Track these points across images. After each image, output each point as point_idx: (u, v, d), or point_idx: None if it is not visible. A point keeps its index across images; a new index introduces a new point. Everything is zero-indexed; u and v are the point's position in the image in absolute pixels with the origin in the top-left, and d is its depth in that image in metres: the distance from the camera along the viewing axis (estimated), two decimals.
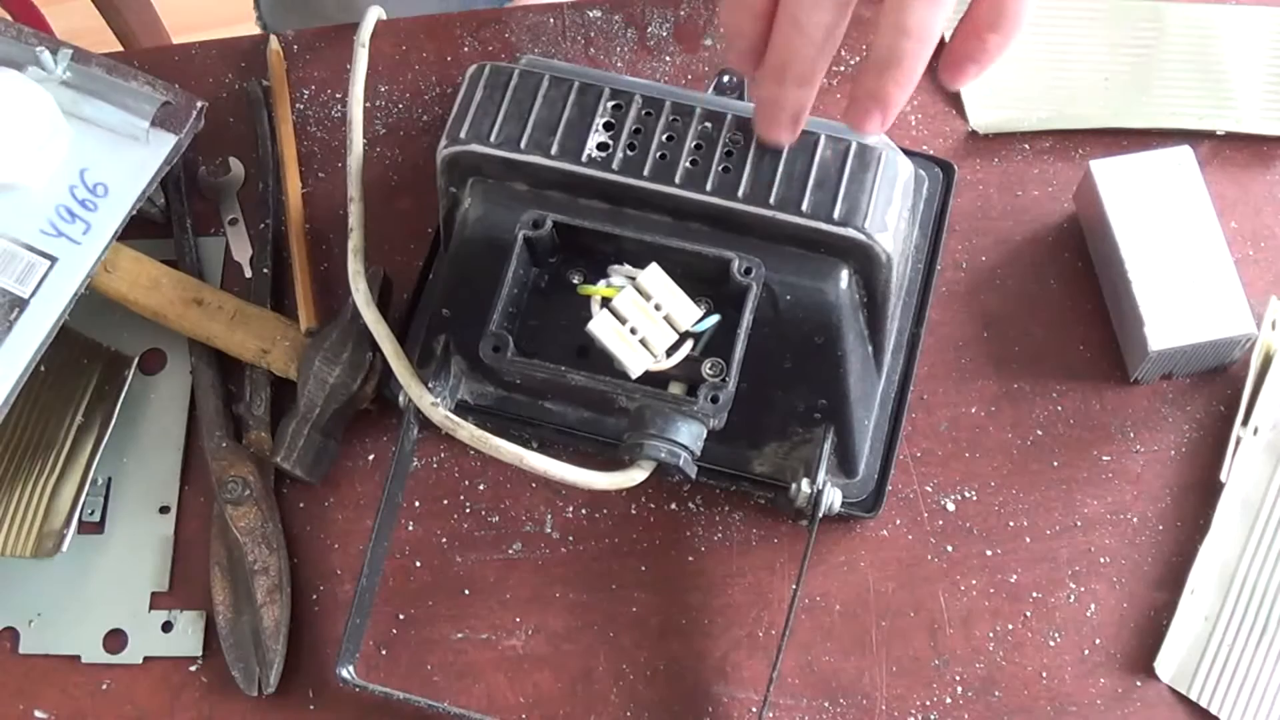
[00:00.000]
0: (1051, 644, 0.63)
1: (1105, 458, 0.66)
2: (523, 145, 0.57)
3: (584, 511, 0.66)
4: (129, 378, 0.68)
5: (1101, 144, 0.71)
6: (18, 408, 0.66)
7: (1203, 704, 0.61)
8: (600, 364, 0.56)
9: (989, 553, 0.64)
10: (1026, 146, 0.72)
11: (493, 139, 0.58)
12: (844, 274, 0.57)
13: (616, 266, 0.57)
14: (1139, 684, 0.62)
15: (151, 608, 0.65)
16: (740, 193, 0.56)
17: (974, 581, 0.64)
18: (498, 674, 0.64)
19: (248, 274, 0.72)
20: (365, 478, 0.68)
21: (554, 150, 0.57)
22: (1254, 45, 0.72)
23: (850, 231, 0.55)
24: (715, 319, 0.56)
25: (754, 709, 0.62)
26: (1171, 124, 0.71)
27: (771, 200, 0.56)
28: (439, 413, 0.61)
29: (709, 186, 0.56)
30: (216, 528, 0.66)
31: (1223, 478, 0.63)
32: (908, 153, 0.61)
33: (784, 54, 0.51)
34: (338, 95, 0.76)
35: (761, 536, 0.65)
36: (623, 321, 0.55)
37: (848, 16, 0.50)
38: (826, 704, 0.62)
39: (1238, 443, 0.63)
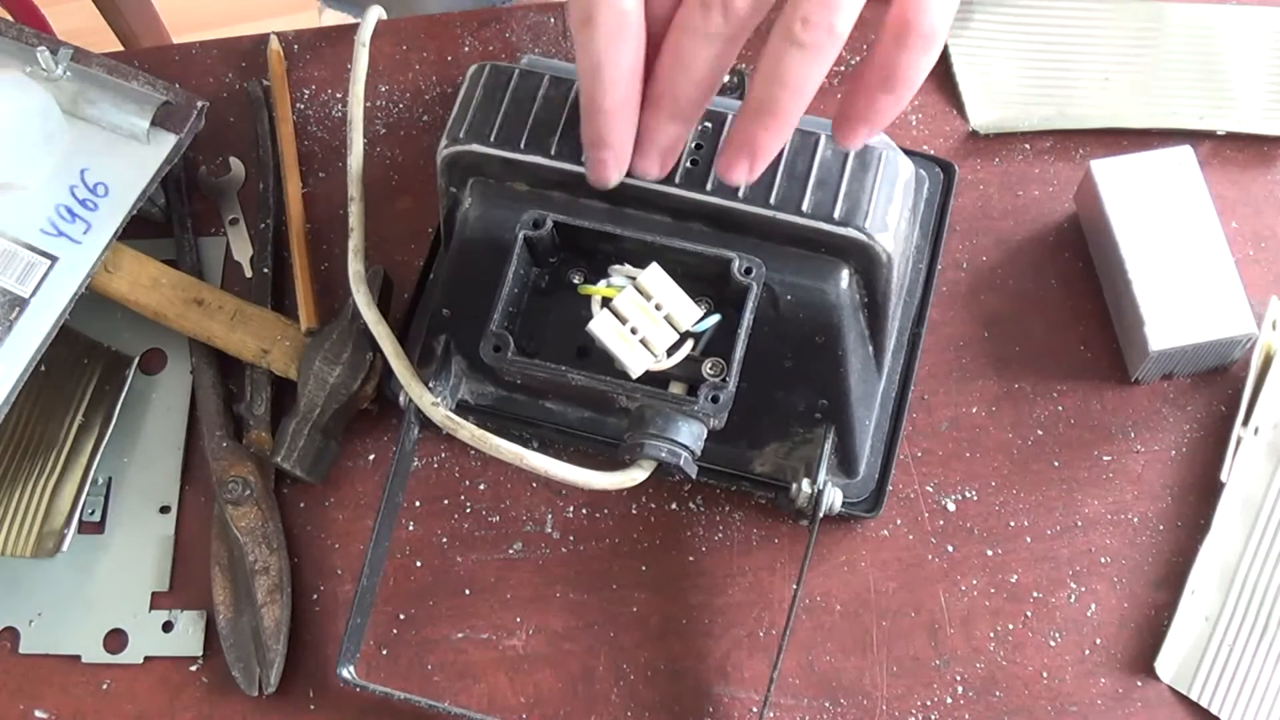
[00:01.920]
0: (1052, 644, 0.63)
1: (1106, 458, 0.66)
2: (523, 145, 0.57)
3: (584, 511, 0.66)
4: (129, 377, 0.68)
5: (1101, 144, 0.71)
6: (18, 407, 0.66)
7: (1203, 704, 0.61)
8: (601, 364, 0.56)
9: (989, 553, 0.64)
10: (1027, 146, 0.72)
11: (493, 139, 0.58)
12: (844, 274, 0.57)
13: (617, 266, 0.57)
14: (1139, 684, 0.62)
15: (152, 607, 0.65)
16: (740, 193, 0.56)
17: (974, 581, 0.64)
18: (498, 674, 0.64)
19: (248, 274, 0.72)
20: (365, 478, 0.68)
21: (554, 150, 0.57)
22: (1254, 45, 0.72)
23: (851, 231, 0.55)
24: (716, 319, 0.56)
25: (754, 709, 0.62)
26: (1171, 124, 0.71)
27: (772, 200, 0.56)
28: (439, 412, 0.61)
29: (709, 186, 0.56)
30: (217, 528, 0.66)
31: (1223, 478, 0.63)
32: (908, 153, 0.61)
33: (663, 87, 0.50)
34: (338, 95, 0.76)
35: (762, 536, 0.65)
36: (623, 321, 0.55)
37: (734, 55, 0.49)
38: (827, 704, 0.62)
39: (1238, 443, 0.63)
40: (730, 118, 0.57)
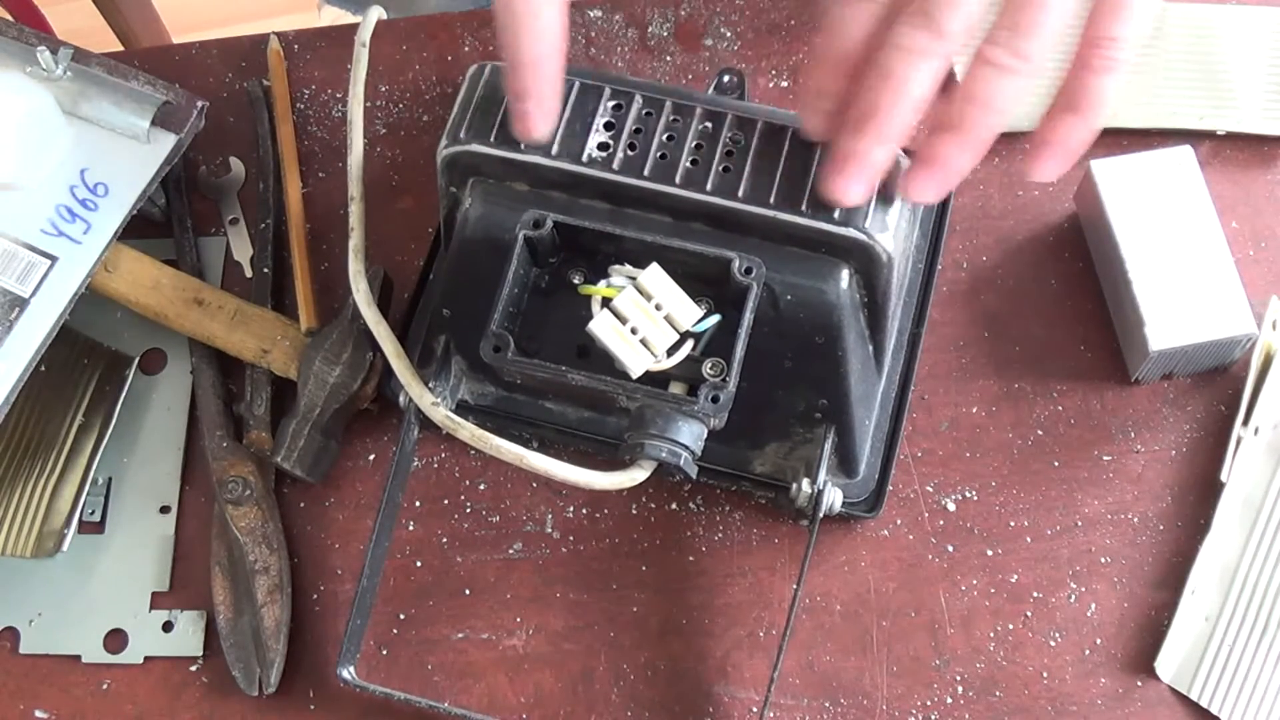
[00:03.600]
0: (1052, 644, 0.63)
1: (1106, 458, 0.66)
2: (523, 145, 0.57)
3: (584, 511, 0.66)
4: (129, 378, 0.68)
5: (1102, 144, 0.70)
6: (18, 407, 0.66)
7: (1203, 704, 0.61)
8: (601, 364, 0.56)
9: (989, 553, 0.64)
10: (1027, 146, 0.72)
11: (493, 139, 0.58)
12: (845, 274, 0.57)
13: (617, 266, 0.57)
14: (1139, 684, 0.62)
15: (152, 608, 0.65)
16: (740, 193, 0.56)
17: (974, 581, 0.64)
18: (498, 674, 0.64)
19: (248, 274, 0.72)
20: (365, 477, 0.68)
21: (554, 150, 0.57)
22: (1254, 45, 0.72)
23: (851, 231, 0.55)
24: (716, 319, 0.56)
25: (755, 709, 0.62)
26: (1171, 124, 0.71)
27: (772, 200, 0.56)
28: (439, 412, 0.61)
29: (709, 186, 0.56)
30: (217, 527, 0.66)
31: (1223, 478, 0.63)
32: (908, 152, 0.61)
33: (870, 108, 0.49)
34: (338, 95, 0.76)
35: (762, 536, 0.65)
36: (623, 321, 0.55)
37: (943, 75, 0.49)
38: (827, 704, 0.62)
39: (1238, 443, 0.63)
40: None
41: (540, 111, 0.53)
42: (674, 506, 0.66)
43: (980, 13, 0.48)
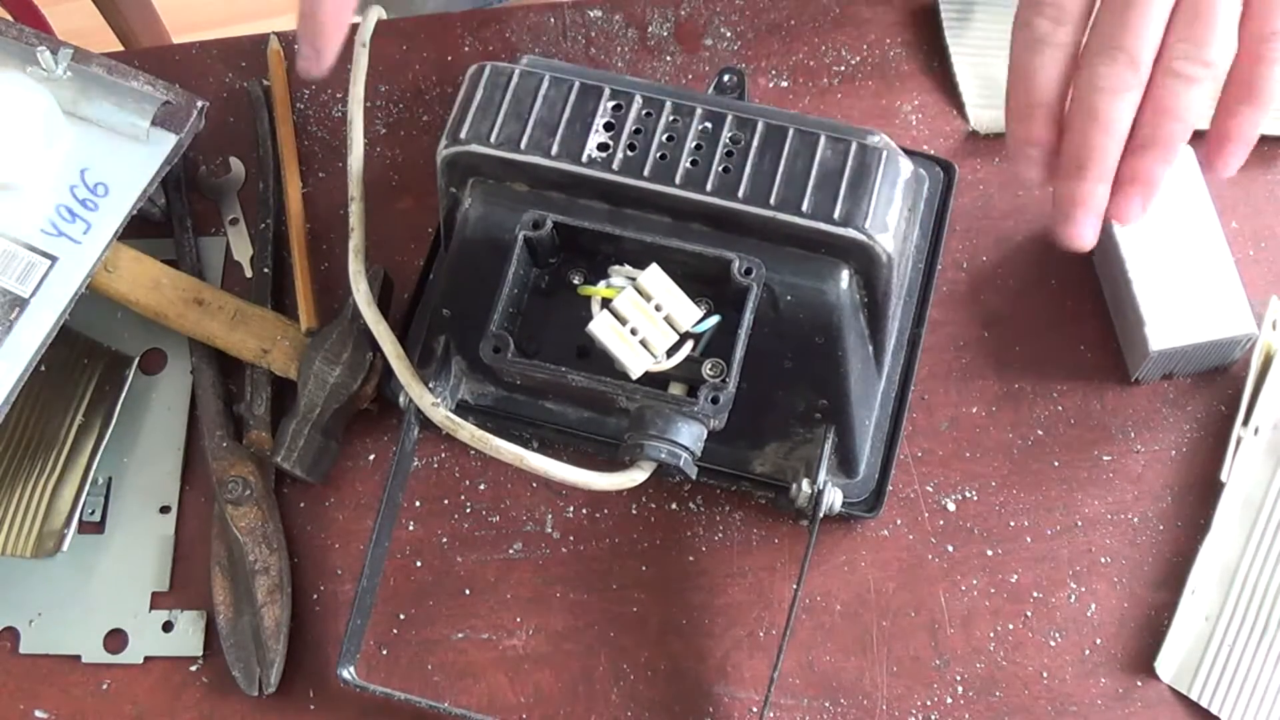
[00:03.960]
0: (1052, 644, 0.63)
1: (1106, 458, 0.66)
2: (523, 145, 0.57)
3: (584, 511, 0.66)
4: (129, 378, 0.68)
5: None
6: (18, 407, 0.66)
7: (1203, 704, 0.61)
8: (601, 364, 0.56)
9: (989, 553, 0.64)
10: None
11: (493, 139, 0.58)
12: (844, 274, 0.57)
13: (617, 267, 0.57)
14: (1139, 684, 0.62)
15: (152, 608, 0.65)
16: (740, 193, 0.56)
17: (974, 581, 0.64)
18: (498, 674, 0.64)
19: (248, 274, 0.72)
20: (365, 478, 0.68)
21: (554, 150, 0.57)
22: None
23: (851, 232, 0.55)
24: (715, 319, 0.56)
25: (755, 709, 0.62)
26: None
27: (772, 200, 0.56)
28: (439, 413, 0.61)
29: (709, 187, 0.56)
30: (217, 528, 0.66)
31: (1223, 478, 0.63)
32: (908, 152, 0.61)
33: (1084, 151, 0.51)
34: (338, 95, 0.76)
35: (762, 536, 0.65)
36: (623, 322, 0.55)
37: (1138, 102, 0.51)
38: (827, 704, 0.62)
39: (1238, 443, 0.63)
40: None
41: (317, 60, 0.60)
42: (674, 506, 0.66)
43: (1162, 30, 0.50)
